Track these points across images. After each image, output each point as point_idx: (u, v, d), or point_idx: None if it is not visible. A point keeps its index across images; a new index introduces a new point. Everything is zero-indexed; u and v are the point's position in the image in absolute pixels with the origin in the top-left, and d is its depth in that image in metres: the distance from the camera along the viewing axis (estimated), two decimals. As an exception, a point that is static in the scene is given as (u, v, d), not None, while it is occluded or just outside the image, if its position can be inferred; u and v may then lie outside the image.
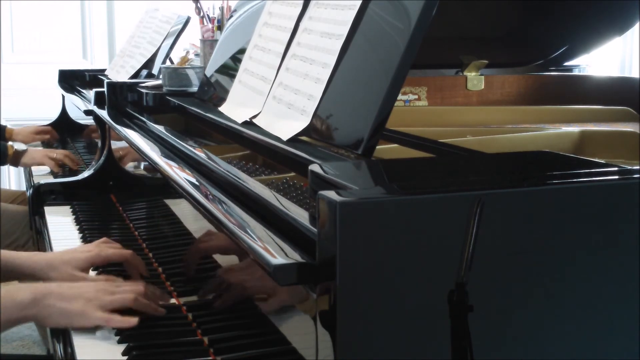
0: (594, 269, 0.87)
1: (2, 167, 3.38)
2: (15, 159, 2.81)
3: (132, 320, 1.26)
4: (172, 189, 1.49)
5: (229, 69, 1.74)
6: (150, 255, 1.66)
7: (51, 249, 1.81)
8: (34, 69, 4.28)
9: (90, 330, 1.26)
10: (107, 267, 1.53)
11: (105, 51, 4.45)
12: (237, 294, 1.19)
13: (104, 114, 2.16)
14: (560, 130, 1.70)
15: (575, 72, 2.46)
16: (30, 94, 4.23)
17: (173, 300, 1.40)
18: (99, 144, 2.29)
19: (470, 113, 1.99)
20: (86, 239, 1.85)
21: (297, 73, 1.32)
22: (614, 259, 0.87)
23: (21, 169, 3.27)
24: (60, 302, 1.25)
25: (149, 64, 2.85)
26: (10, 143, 2.88)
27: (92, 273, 1.53)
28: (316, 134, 1.20)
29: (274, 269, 0.87)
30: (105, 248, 1.51)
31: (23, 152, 2.81)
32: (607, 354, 0.89)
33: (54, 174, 2.74)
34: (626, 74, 3.62)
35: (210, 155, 1.39)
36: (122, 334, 1.24)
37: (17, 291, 1.25)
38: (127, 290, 1.30)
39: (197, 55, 2.76)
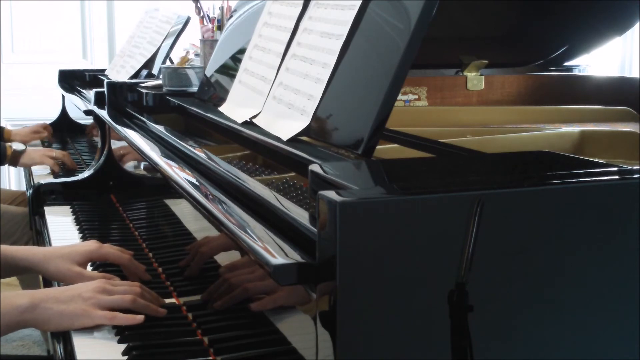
0: (594, 269, 0.87)
1: (1, 167, 3.37)
2: (14, 159, 2.80)
3: (138, 317, 1.25)
4: (172, 189, 1.49)
5: (229, 69, 1.74)
6: (150, 255, 1.66)
7: (51, 249, 1.81)
8: (34, 69, 4.28)
9: (90, 330, 1.26)
10: (107, 268, 1.53)
11: (105, 51, 4.46)
12: (238, 294, 1.18)
13: (104, 114, 2.16)
14: (560, 130, 1.70)
15: (575, 72, 2.45)
16: (30, 94, 4.23)
17: (173, 300, 1.40)
18: (99, 144, 2.29)
19: (470, 113, 1.99)
20: (86, 239, 1.85)
21: (297, 73, 1.32)
22: (614, 259, 0.87)
23: (21, 169, 3.27)
24: (58, 305, 1.25)
25: (149, 64, 2.85)
26: (8, 144, 2.88)
27: (89, 269, 1.53)
28: (316, 134, 1.20)
29: (274, 269, 0.86)
30: (105, 246, 1.51)
31: (22, 152, 2.81)
32: (607, 354, 0.89)
33: (54, 173, 2.74)
34: (626, 74, 3.61)
35: (210, 155, 1.39)
36: (122, 334, 1.24)
37: (15, 296, 1.25)
38: (124, 291, 1.30)
39: (197, 55, 2.76)
